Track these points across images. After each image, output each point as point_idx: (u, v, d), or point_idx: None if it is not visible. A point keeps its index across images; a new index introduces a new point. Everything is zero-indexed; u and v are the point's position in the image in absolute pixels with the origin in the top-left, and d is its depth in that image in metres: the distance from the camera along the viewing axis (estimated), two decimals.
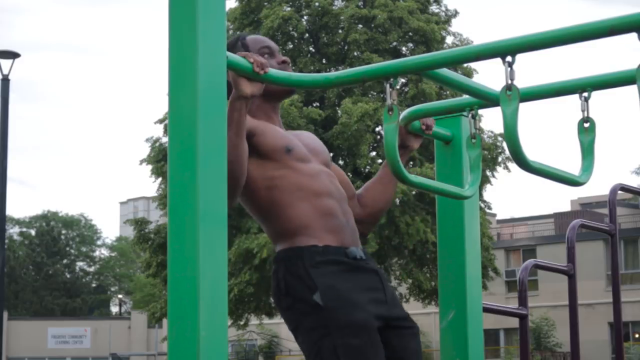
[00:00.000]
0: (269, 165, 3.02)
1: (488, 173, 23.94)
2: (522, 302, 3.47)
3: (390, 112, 2.64)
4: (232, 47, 3.09)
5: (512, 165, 24.04)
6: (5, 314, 45.73)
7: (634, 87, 2.51)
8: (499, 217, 48.35)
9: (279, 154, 3.03)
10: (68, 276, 65.24)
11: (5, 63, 15.30)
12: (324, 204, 3.01)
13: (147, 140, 24.53)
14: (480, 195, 23.33)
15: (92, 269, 67.94)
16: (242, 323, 24.88)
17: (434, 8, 25.86)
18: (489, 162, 23.71)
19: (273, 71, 2.76)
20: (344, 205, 3.08)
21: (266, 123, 3.09)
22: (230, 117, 2.72)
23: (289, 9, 24.44)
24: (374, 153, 23.84)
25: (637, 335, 37.89)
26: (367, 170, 23.27)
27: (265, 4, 24.70)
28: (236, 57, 2.67)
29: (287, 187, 3.00)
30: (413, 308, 34.27)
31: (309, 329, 2.90)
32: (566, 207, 56.49)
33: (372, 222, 3.29)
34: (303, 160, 3.07)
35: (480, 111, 3.09)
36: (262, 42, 3.18)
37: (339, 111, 23.46)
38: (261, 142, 3.02)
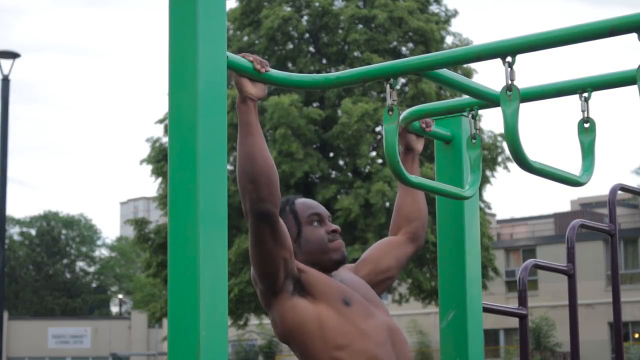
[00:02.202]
0: (328, 317, 2.86)
1: (488, 173, 23.94)
2: (522, 302, 3.47)
3: (390, 113, 2.64)
4: (281, 211, 2.96)
5: (512, 165, 24.04)
6: (6, 314, 45.73)
7: (634, 87, 2.51)
8: (499, 217, 48.35)
9: (335, 303, 2.89)
10: (68, 276, 65.23)
11: (6, 63, 15.30)
12: None
13: (147, 140, 24.55)
14: (480, 195, 23.33)
15: (92, 269, 67.92)
16: (242, 323, 24.88)
17: (433, 8, 25.86)
18: (489, 162, 23.72)
19: (273, 71, 2.76)
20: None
21: (317, 271, 2.97)
22: (240, 121, 2.70)
23: (289, 9, 24.44)
24: (374, 153, 23.84)
25: (637, 335, 37.88)
26: (367, 170, 23.27)
27: (265, 4, 24.70)
28: (236, 57, 2.67)
29: (354, 359, 2.84)
30: (413, 308, 34.30)
31: None
32: (566, 207, 56.51)
33: (424, 229, 3.30)
34: (366, 317, 2.92)
35: (480, 111, 3.09)
36: (312, 208, 3.08)
37: (339, 111, 23.47)
38: (311, 281, 2.90)
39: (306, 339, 2.87)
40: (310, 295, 2.89)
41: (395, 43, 24.53)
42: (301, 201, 3.09)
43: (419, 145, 3.30)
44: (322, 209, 3.09)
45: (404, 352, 2.97)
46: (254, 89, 2.71)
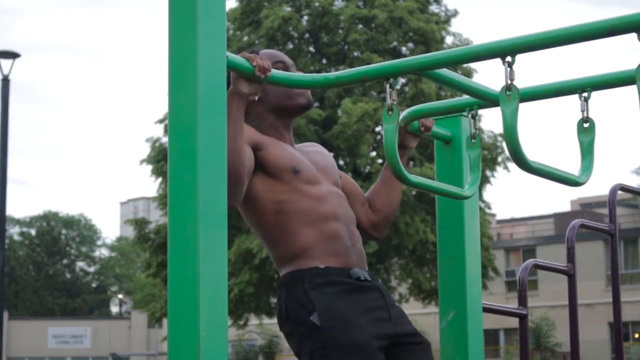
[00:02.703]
0: (277, 186, 2.98)
1: (488, 173, 23.94)
2: (522, 302, 3.47)
3: (390, 113, 2.64)
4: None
5: (512, 165, 24.03)
6: (6, 314, 45.73)
7: (634, 87, 2.51)
8: (499, 217, 48.34)
9: (286, 174, 2.99)
10: (68, 276, 65.22)
11: (6, 63, 15.30)
12: (329, 228, 2.98)
13: (147, 140, 24.53)
14: (480, 195, 23.32)
15: (92, 269, 67.91)
16: (242, 323, 24.87)
17: (433, 8, 25.85)
18: (489, 162, 23.71)
19: (273, 71, 2.76)
20: (352, 228, 3.06)
21: (275, 140, 3.05)
22: (227, 109, 2.73)
23: (289, 9, 24.43)
24: (374, 153, 23.83)
25: (637, 335, 37.88)
26: (367, 170, 23.26)
27: (265, 4, 24.69)
28: (237, 58, 2.67)
29: (294, 212, 2.96)
30: (413, 308, 34.26)
31: (309, 351, 2.87)
32: (566, 207, 56.52)
33: (386, 225, 3.29)
34: (312, 182, 3.03)
35: (480, 111, 3.09)
36: (277, 56, 3.12)
37: (339, 111, 23.46)
38: (267, 159, 2.99)
39: (252, 201, 2.99)
40: (262, 171, 2.99)
41: (395, 43, 24.52)
42: (266, 50, 3.16)
43: (413, 143, 3.31)
44: (286, 58, 3.15)
45: (348, 209, 3.08)
46: (247, 88, 2.74)
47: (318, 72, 23.62)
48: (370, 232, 3.26)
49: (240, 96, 2.74)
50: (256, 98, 2.98)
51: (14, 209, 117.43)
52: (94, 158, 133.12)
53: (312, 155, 3.16)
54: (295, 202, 2.98)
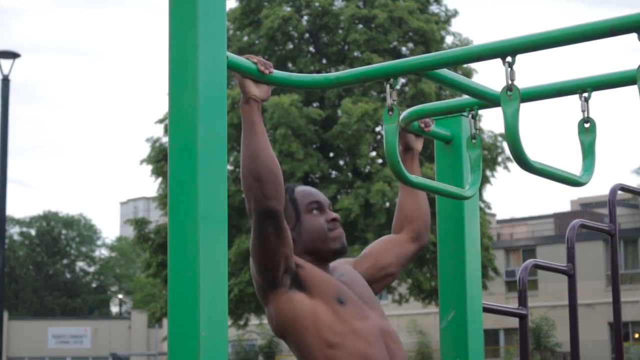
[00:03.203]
0: (322, 313, 2.85)
1: (488, 173, 23.94)
2: (522, 302, 3.47)
3: (390, 113, 2.63)
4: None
5: (512, 165, 24.04)
6: (6, 314, 45.72)
7: (634, 88, 2.51)
8: (499, 217, 48.33)
9: (330, 300, 2.87)
10: (68, 276, 65.22)
11: (6, 63, 15.29)
12: None
13: (147, 140, 24.55)
14: (480, 195, 23.32)
15: (92, 269, 67.92)
16: (242, 323, 24.87)
17: (433, 8, 25.86)
18: (489, 162, 23.71)
19: (273, 71, 2.76)
20: None
21: (315, 267, 2.95)
22: (244, 121, 2.72)
23: (289, 9, 24.43)
24: (374, 153, 23.84)
25: (637, 335, 37.87)
26: (367, 170, 23.26)
27: (265, 4, 24.70)
28: (236, 58, 2.67)
29: (347, 358, 2.83)
30: (413, 308, 34.29)
31: None
32: (566, 207, 56.50)
33: (426, 228, 3.30)
34: (360, 318, 2.90)
35: (480, 111, 3.09)
36: (312, 195, 3.06)
37: (339, 111, 23.47)
38: (308, 277, 2.89)
39: (301, 334, 2.87)
40: (306, 291, 2.88)
41: (395, 43, 24.52)
42: (301, 189, 3.08)
43: (418, 144, 3.30)
44: (322, 197, 3.07)
45: (397, 354, 2.95)
46: (257, 90, 2.72)
47: (318, 72, 23.62)
48: (417, 247, 3.27)
49: (254, 100, 2.71)
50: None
51: (14, 209, 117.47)
52: (94, 158, 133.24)
53: (351, 284, 3.01)
54: (349, 346, 2.84)
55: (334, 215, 3.05)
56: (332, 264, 3.09)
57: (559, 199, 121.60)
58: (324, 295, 2.88)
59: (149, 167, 24.37)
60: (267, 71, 2.70)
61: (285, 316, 2.87)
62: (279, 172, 2.74)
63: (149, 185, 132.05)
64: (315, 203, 3.04)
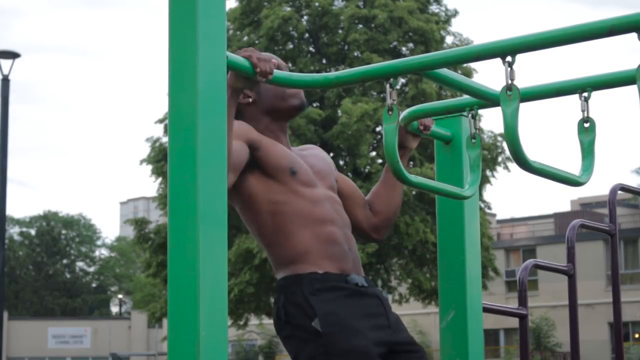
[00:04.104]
0: (274, 186, 3.00)
1: (488, 173, 23.93)
2: (522, 302, 3.47)
3: (390, 113, 2.64)
4: None
5: (512, 165, 24.03)
6: (5, 314, 45.71)
7: (634, 87, 2.51)
8: (499, 217, 48.33)
9: (283, 174, 3.01)
10: (68, 276, 65.21)
11: (5, 63, 15.29)
12: (325, 231, 2.98)
13: (147, 140, 24.53)
14: (480, 195, 23.32)
15: (92, 269, 67.91)
16: (242, 323, 24.86)
17: (433, 8, 25.84)
18: (489, 162, 23.70)
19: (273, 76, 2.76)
20: (347, 232, 3.06)
21: (273, 141, 3.06)
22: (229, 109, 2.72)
23: (289, 9, 24.42)
24: (374, 153, 23.83)
25: (637, 335, 37.87)
26: (367, 170, 23.26)
27: (265, 4, 24.69)
28: (238, 58, 2.67)
29: (290, 214, 2.97)
30: (413, 308, 34.26)
31: (309, 357, 2.87)
32: (566, 207, 56.50)
33: (387, 226, 3.29)
34: (308, 185, 3.04)
35: (480, 111, 3.09)
36: (271, 57, 3.08)
37: (339, 111, 23.45)
38: (265, 159, 3.00)
39: (249, 200, 3.01)
40: (260, 170, 3.00)
41: (395, 43, 24.51)
42: (263, 53, 3.09)
43: (413, 143, 3.31)
44: (280, 60, 3.12)
45: (343, 216, 3.08)
46: (242, 83, 2.72)
47: (318, 72, 23.62)
48: (371, 234, 3.27)
49: (233, 89, 2.72)
50: (250, 100, 2.99)
51: (14, 209, 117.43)
52: (94, 158, 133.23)
53: (309, 158, 3.16)
54: (292, 203, 2.98)
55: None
56: (308, 145, 3.27)
57: (559, 199, 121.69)
58: (277, 170, 3.01)
59: (149, 167, 24.34)
60: (264, 79, 2.70)
61: (240, 192, 3.01)
62: (237, 162, 2.84)
63: (149, 185, 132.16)
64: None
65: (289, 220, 2.97)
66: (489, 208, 25.44)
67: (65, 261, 65.52)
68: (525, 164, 2.56)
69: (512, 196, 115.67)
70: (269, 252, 3.02)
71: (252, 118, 3.10)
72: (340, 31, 24.55)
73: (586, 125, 2.79)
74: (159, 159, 23.83)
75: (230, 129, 2.72)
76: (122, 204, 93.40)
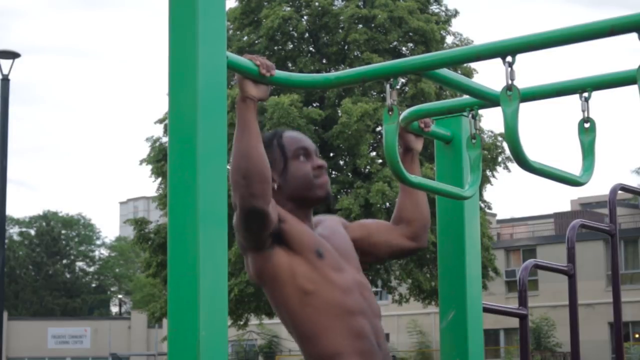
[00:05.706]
0: (300, 267, 2.91)
1: (488, 173, 23.92)
2: (522, 302, 3.47)
3: (390, 113, 2.63)
4: (268, 143, 2.99)
5: (512, 165, 24.02)
6: (5, 314, 45.69)
7: (634, 87, 2.51)
8: (499, 217, 48.32)
9: (309, 254, 2.92)
10: (68, 276, 65.21)
11: (5, 63, 15.28)
12: (356, 325, 2.92)
13: (147, 140, 24.53)
14: (480, 195, 23.32)
15: (92, 269, 67.91)
16: (242, 323, 24.86)
17: (434, 8, 25.84)
18: (489, 162, 23.69)
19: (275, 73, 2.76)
20: (376, 323, 3.00)
21: (297, 219, 2.98)
22: (239, 118, 2.70)
23: (289, 9, 24.41)
24: (374, 153, 23.82)
25: (637, 335, 37.87)
26: (367, 170, 23.26)
27: (265, 4, 24.68)
28: (240, 59, 2.67)
29: (322, 305, 2.90)
30: (413, 308, 34.28)
31: None
32: (566, 207, 56.46)
33: (425, 231, 3.27)
34: (337, 269, 2.96)
35: (480, 111, 3.09)
36: (299, 141, 3.06)
37: (339, 111, 23.45)
38: (289, 232, 2.92)
39: (278, 286, 2.91)
40: (286, 245, 2.91)
41: (395, 43, 24.51)
42: (289, 134, 3.08)
43: (418, 144, 3.28)
44: (309, 143, 3.07)
45: (373, 305, 3.01)
46: (255, 90, 2.71)
47: (318, 72, 23.61)
48: (413, 246, 3.24)
49: (250, 100, 2.70)
50: (276, 186, 2.95)
51: (13, 209, 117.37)
52: (94, 158, 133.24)
53: (331, 238, 3.05)
54: (323, 293, 2.90)
55: (321, 162, 3.05)
56: (320, 217, 3.13)
57: (559, 199, 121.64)
58: (303, 248, 2.92)
59: (149, 167, 24.34)
60: (268, 74, 2.69)
61: (265, 273, 2.92)
62: (268, 172, 2.73)
63: (149, 185, 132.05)
64: (302, 149, 3.04)
65: (321, 312, 2.90)
66: (489, 208, 25.45)
67: (65, 261, 65.51)
68: (525, 164, 2.56)
69: (512, 196, 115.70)
70: (300, 345, 2.96)
71: (277, 203, 3.00)
72: (340, 31, 24.55)
73: (586, 125, 2.79)
74: (159, 159, 23.82)
75: (259, 137, 2.70)
76: (121, 204, 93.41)
